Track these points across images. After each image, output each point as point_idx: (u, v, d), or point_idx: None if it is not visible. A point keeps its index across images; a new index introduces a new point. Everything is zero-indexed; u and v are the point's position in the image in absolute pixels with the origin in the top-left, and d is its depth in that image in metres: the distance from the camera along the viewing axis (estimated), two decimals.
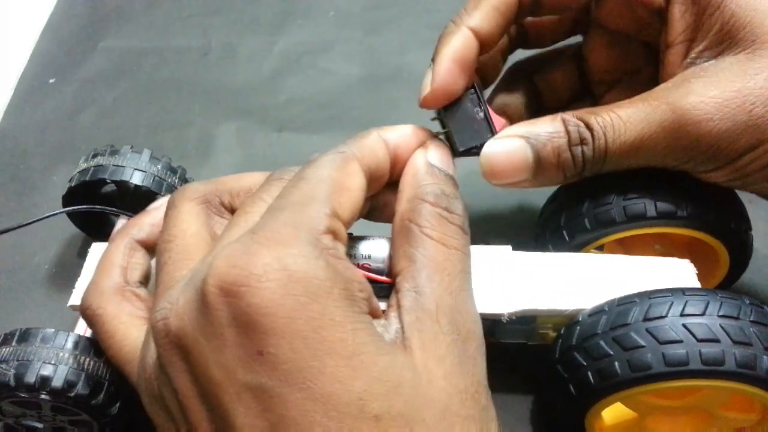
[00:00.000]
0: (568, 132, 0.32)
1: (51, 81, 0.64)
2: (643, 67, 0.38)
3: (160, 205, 0.37)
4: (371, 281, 0.31)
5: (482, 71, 0.38)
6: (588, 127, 0.32)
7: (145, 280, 0.35)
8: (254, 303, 0.23)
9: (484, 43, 0.34)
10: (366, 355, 0.24)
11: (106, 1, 0.72)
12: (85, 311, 0.32)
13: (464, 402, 0.25)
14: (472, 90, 0.34)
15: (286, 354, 0.23)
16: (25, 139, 0.58)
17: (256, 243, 0.24)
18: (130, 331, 0.31)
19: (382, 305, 0.33)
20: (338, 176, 0.28)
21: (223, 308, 0.23)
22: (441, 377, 0.25)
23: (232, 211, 0.32)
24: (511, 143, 0.33)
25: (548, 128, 0.33)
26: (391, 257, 0.30)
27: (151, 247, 0.36)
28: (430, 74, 0.33)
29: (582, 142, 0.32)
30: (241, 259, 0.24)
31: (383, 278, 0.31)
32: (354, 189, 0.28)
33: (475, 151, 0.34)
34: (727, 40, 0.32)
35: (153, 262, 0.35)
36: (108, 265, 0.34)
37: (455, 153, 0.34)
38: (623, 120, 0.32)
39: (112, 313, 0.32)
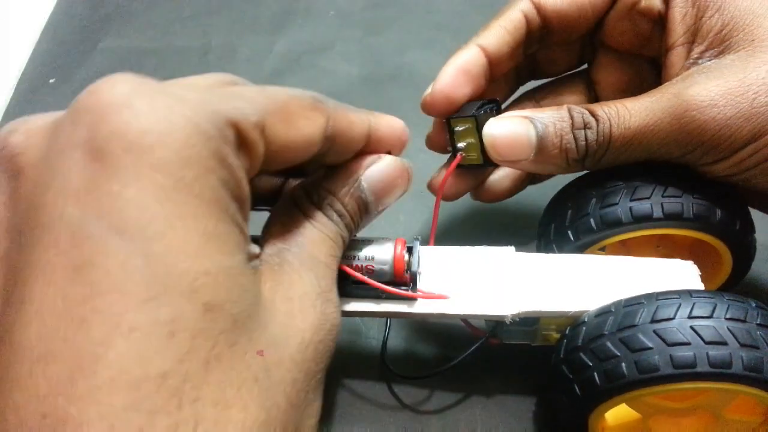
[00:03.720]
0: (572, 117, 0.33)
1: (51, 81, 0.63)
2: (652, 85, 0.38)
3: None
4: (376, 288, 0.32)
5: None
6: (593, 114, 0.33)
7: None
8: (116, 132, 0.20)
9: (493, 61, 0.36)
10: (219, 245, 0.21)
11: (106, 1, 0.71)
12: None
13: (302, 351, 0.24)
14: (493, 104, 0.36)
15: (132, 199, 0.20)
16: None
17: (153, 88, 0.21)
18: None
19: (384, 306, 0.33)
20: (293, 107, 0.25)
21: (81, 130, 0.20)
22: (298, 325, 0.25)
23: None
24: (516, 120, 0.34)
25: (553, 112, 0.34)
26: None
27: None
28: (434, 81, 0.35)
29: (585, 126, 0.33)
30: (127, 88, 0.21)
31: (403, 292, 0.32)
32: (301, 132, 0.26)
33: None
34: (726, 40, 0.33)
35: None
36: None
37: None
38: (628, 108, 0.33)
39: None
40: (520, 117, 0.34)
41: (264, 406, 0.21)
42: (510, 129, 0.34)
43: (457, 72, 0.35)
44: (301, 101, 0.26)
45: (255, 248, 0.25)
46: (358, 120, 0.29)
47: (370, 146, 0.30)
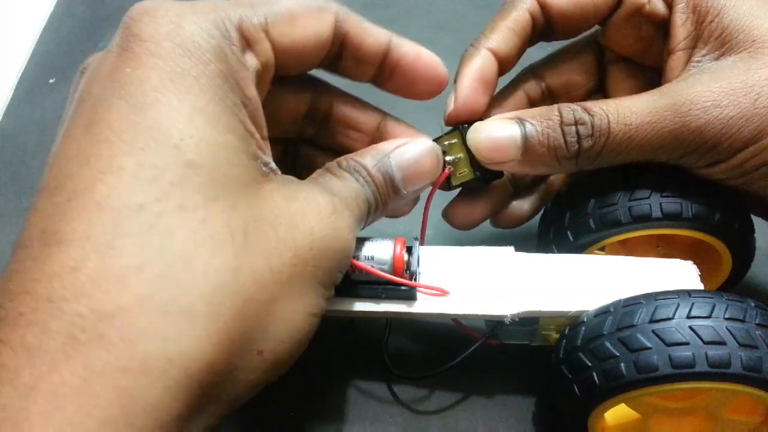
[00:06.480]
0: (561, 113, 0.33)
1: (51, 81, 0.63)
2: None
3: None
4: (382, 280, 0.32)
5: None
6: (587, 110, 0.33)
7: None
8: (136, 33, 0.25)
9: (502, 63, 0.36)
10: (208, 119, 0.25)
11: (106, 1, 0.71)
12: None
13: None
14: None
15: (139, 77, 0.24)
16: (25, 139, 0.58)
17: (173, 2, 0.26)
18: None
19: (384, 306, 0.33)
20: (298, 9, 0.29)
21: (117, 38, 0.26)
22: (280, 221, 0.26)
23: None
24: (501, 121, 0.34)
25: (541, 110, 0.34)
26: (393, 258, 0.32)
27: None
28: (454, 94, 0.35)
29: (577, 122, 0.33)
30: (152, 4, 0.26)
31: (405, 281, 0.32)
32: (306, 30, 0.29)
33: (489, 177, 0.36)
34: (727, 43, 0.33)
35: None
36: None
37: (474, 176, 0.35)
38: (628, 106, 0.32)
39: None
40: (506, 118, 0.34)
41: (238, 256, 0.24)
42: (494, 130, 0.33)
43: (476, 83, 0.35)
44: (305, 4, 0.29)
45: (272, 164, 0.28)
46: (375, 29, 0.31)
47: (390, 65, 0.32)
